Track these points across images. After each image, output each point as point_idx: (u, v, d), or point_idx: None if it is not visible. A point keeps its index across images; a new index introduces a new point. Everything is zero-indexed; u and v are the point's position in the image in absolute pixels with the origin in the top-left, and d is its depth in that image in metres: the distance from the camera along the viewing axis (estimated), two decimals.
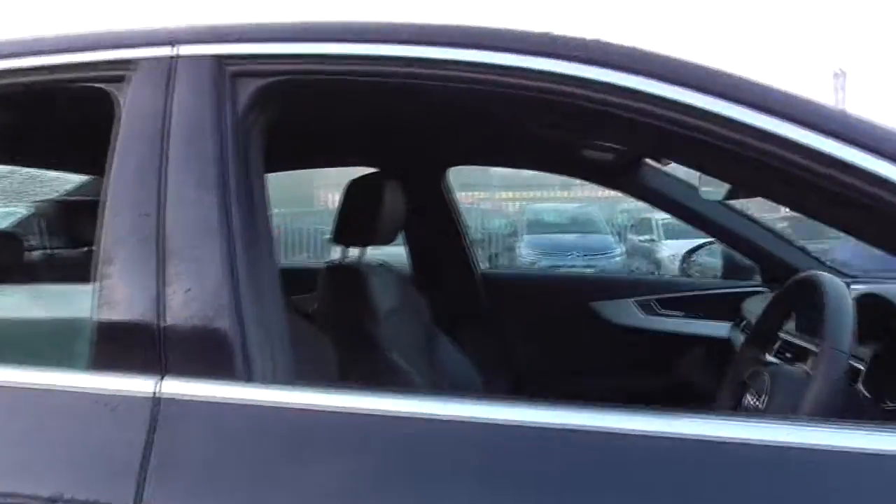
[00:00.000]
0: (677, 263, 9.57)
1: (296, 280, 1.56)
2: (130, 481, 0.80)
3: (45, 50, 1.01)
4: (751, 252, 2.35)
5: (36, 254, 2.25)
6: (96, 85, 0.98)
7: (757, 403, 1.20)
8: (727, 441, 0.76)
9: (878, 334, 1.37)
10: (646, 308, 2.46)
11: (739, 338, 2.21)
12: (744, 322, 2.20)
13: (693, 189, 2.32)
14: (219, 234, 0.90)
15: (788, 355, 1.43)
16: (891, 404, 1.15)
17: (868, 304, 1.30)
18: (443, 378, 1.98)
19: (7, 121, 1.36)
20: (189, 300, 0.88)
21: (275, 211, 1.13)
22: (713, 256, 2.64)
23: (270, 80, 0.96)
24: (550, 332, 2.52)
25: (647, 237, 10.76)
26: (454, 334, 2.16)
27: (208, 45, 0.97)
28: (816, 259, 2.31)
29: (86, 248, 1.80)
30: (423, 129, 2.01)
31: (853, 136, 0.80)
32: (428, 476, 0.80)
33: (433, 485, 0.79)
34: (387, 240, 1.84)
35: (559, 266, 9.40)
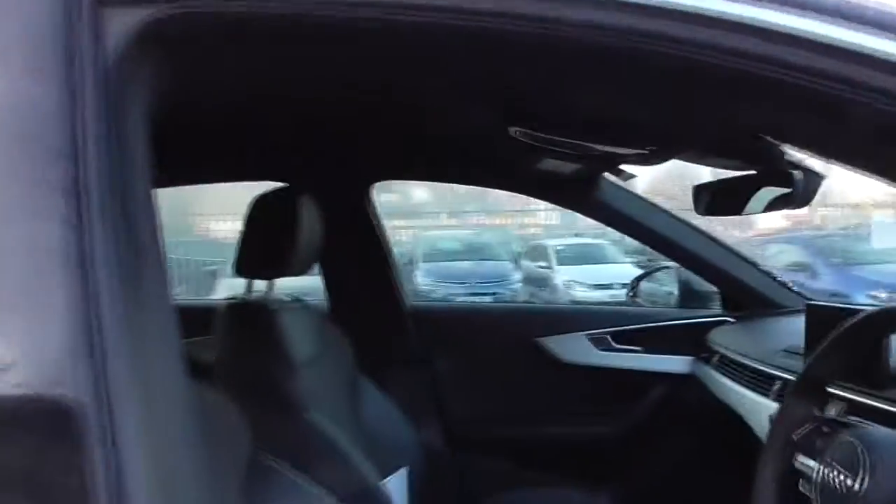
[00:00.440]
0: (574, 290, 9.61)
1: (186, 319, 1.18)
2: None
3: None
4: (714, 277, 2.11)
5: None
6: None
7: (848, 482, 0.89)
8: None
9: None
10: (599, 342, 2.16)
11: (708, 373, 1.95)
12: (716, 356, 1.94)
13: (654, 207, 2.07)
14: (66, 266, 0.49)
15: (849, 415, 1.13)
16: None
17: None
18: (371, 438, 1.61)
19: None
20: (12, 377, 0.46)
21: None
22: (662, 283, 2.39)
23: (154, 10, 0.56)
24: (491, 374, 2.19)
25: (542, 263, 10.75)
26: (382, 380, 1.79)
27: None
28: (783, 284, 2.11)
29: None
30: (353, 128, 1.64)
31: None
32: None
33: None
34: (300, 270, 1.50)
35: (464, 294, 9.17)
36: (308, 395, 1.41)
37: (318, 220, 1.51)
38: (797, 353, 1.51)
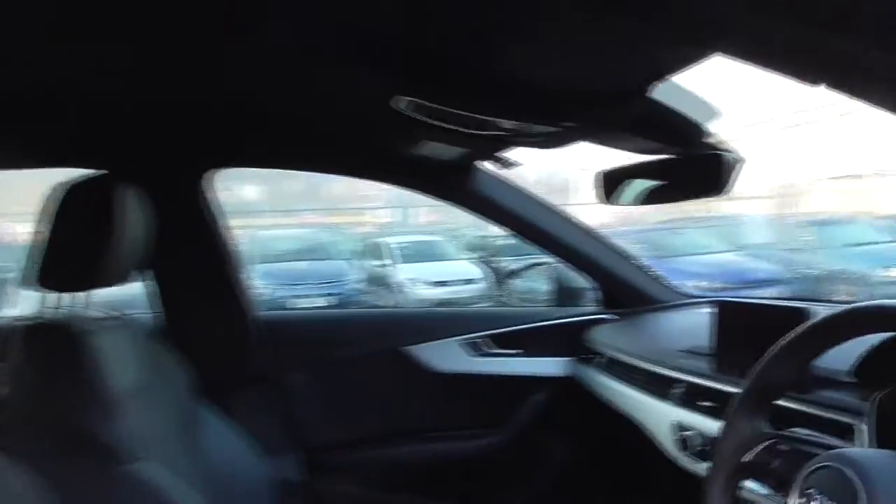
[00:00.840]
0: (415, 288, 9.50)
1: None
2: None
3: None
4: (593, 273, 2.00)
5: None
6: None
7: None
8: None
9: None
10: (474, 348, 1.97)
11: (592, 375, 1.83)
12: (600, 357, 1.82)
13: (532, 198, 1.91)
14: None
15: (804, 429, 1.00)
16: None
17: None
18: (214, 477, 1.32)
19: None
20: None
21: None
22: (534, 280, 2.25)
23: None
24: (354, 390, 1.92)
25: (381, 262, 10.53)
26: (227, 406, 1.50)
27: None
28: (659, 279, 2.04)
29: None
30: (181, 100, 1.32)
31: None
32: None
33: None
34: (120, 278, 1.17)
35: (302, 296, 8.72)
36: (131, 438, 1.07)
37: (143, 215, 1.17)
38: (702, 354, 1.40)
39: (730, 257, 7.52)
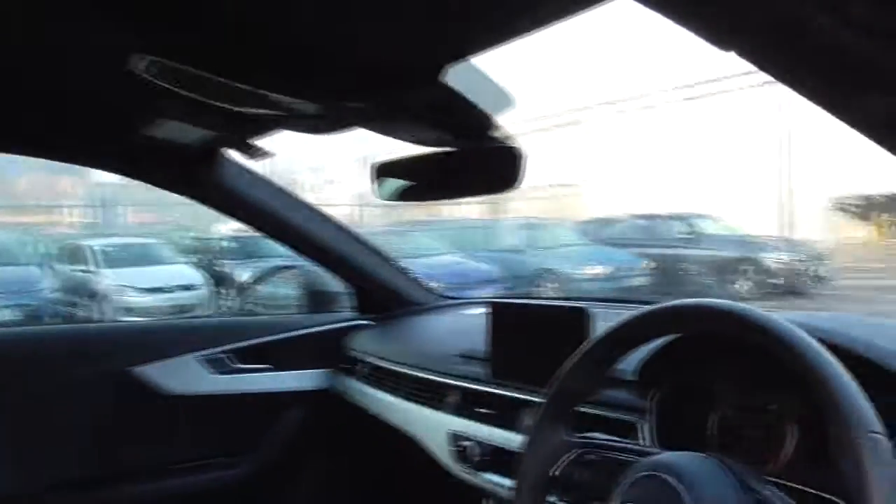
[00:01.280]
0: (125, 295, 8.47)
1: None
2: None
3: None
4: (349, 275, 1.86)
5: None
6: None
7: None
8: None
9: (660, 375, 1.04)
10: (216, 364, 1.71)
11: (353, 386, 1.70)
12: (361, 366, 1.70)
13: (286, 194, 1.72)
14: None
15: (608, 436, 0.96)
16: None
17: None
18: None
19: None
20: None
21: None
22: (280, 286, 2.05)
23: None
24: (65, 420, 1.56)
25: (82, 267, 9.22)
26: None
27: None
28: (417, 281, 1.98)
29: None
30: None
31: None
32: None
33: None
34: None
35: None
36: None
37: None
38: (476, 358, 1.34)
39: (453, 258, 7.93)
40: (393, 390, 1.53)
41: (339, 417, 1.73)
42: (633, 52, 13.89)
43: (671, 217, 9.36)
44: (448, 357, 1.42)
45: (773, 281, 8.14)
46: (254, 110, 1.04)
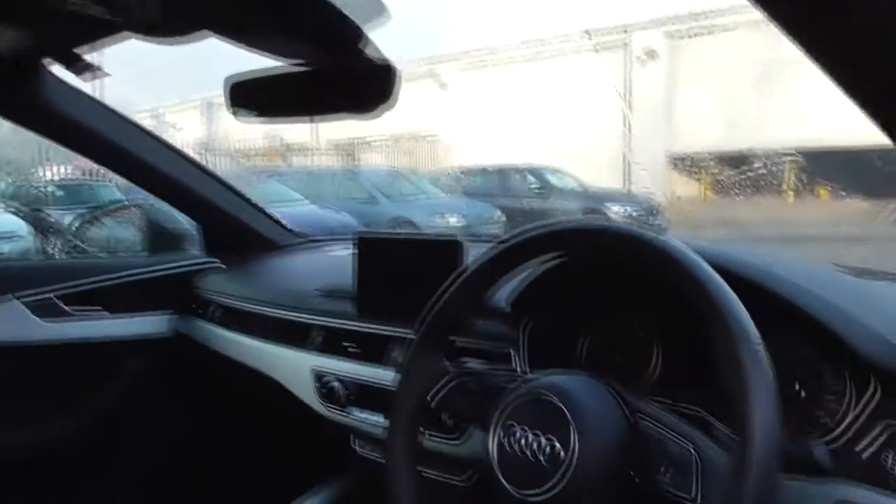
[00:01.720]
0: None
1: None
2: None
3: None
4: (197, 213, 1.71)
5: None
6: None
7: (549, 449, 0.69)
8: None
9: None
10: (44, 310, 1.52)
11: (206, 329, 1.59)
12: (214, 308, 1.58)
13: (124, 120, 1.54)
14: None
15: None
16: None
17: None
18: None
19: None
20: None
21: None
22: (119, 226, 1.87)
23: None
24: None
25: None
26: None
27: None
28: (275, 220, 1.84)
29: None
30: None
31: None
32: None
33: None
34: None
35: None
36: None
37: None
38: (341, 296, 1.27)
39: (312, 207, 7.70)
40: (251, 332, 1.44)
41: (189, 364, 1.60)
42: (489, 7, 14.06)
43: (517, 170, 9.75)
44: (311, 294, 1.35)
45: None
46: (80, 8, 0.89)
